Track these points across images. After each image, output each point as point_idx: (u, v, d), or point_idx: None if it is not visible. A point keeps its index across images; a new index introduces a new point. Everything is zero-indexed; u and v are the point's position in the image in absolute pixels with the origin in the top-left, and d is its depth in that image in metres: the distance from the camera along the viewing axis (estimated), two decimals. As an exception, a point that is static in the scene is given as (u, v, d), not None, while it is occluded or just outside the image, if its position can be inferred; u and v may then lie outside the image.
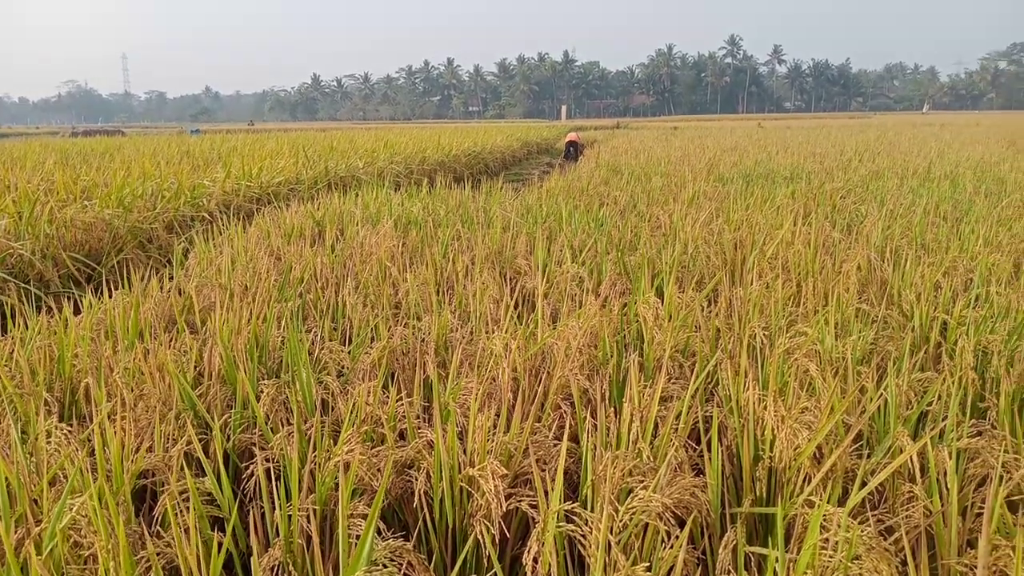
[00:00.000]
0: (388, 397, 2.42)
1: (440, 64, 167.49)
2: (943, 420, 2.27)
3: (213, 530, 2.03)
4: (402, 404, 2.39)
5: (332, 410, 2.62)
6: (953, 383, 2.42)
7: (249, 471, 2.30)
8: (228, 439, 2.45)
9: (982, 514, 1.90)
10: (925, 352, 3.09)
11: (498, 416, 2.33)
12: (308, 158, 11.95)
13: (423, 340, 3.16)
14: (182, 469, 2.13)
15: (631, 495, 1.86)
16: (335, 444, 2.17)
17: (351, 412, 2.29)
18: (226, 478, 2.05)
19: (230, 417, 2.51)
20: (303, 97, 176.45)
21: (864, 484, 1.90)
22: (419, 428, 2.30)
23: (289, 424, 2.47)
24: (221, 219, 6.91)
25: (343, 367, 2.92)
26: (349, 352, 2.99)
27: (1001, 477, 1.99)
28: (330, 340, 3.21)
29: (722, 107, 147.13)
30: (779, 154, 13.57)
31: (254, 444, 2.41)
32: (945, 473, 1.99)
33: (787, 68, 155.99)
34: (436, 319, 3.20)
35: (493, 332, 3.06)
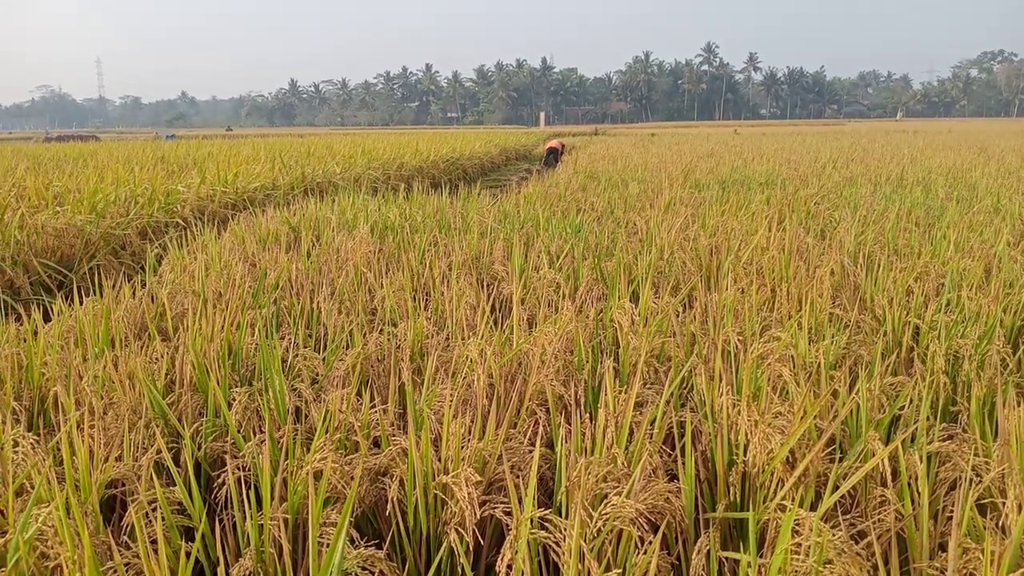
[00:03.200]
0: (362, 404, 2.40)
1: (418, 70, 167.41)
2: (914, 424, 2.29)
3: (184, 540, 2.00)
4: (376, 411, 2.38)
5: (305, 418, 2.60)
6: (925, 387, 2.44)
7: (220, 480, 2.28)
8: (199, 448, 2.42)
9: (953, 517, 1.92)
10: (897, 356, 3.12)
11: (473, 423, 2.32)
12: (284, 164, 11.88)
13: (398, 346, 3.14)
14: (152, 478, 2.10)
15: (605, 501, 1.86)
16: (308, 452, 2.15)
17: (324, 419, 2.27)
18: (196, 487, 2.02)
19: (201, 425, 2.48)
20: (281, 103, 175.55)
21: (836, 488, 1.92)
22: (393, 435, 2.28)
23: (261, 432, 2.45)
24: (196, 225, 6.85)
25: (317, 374, 2.90)
26: (323, 359, 2.96)
27: (971, 481, 2.01)
28: (304, 347, 3.18)
29: (699, 114, 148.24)
30: (755, 160, 13.69)
31: (225, 453, 2.39)
32: (916, 477, 2.00)
33: (762, 76, 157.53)
34: (412, 325, 3.18)
35: (469, 338, 3.04)
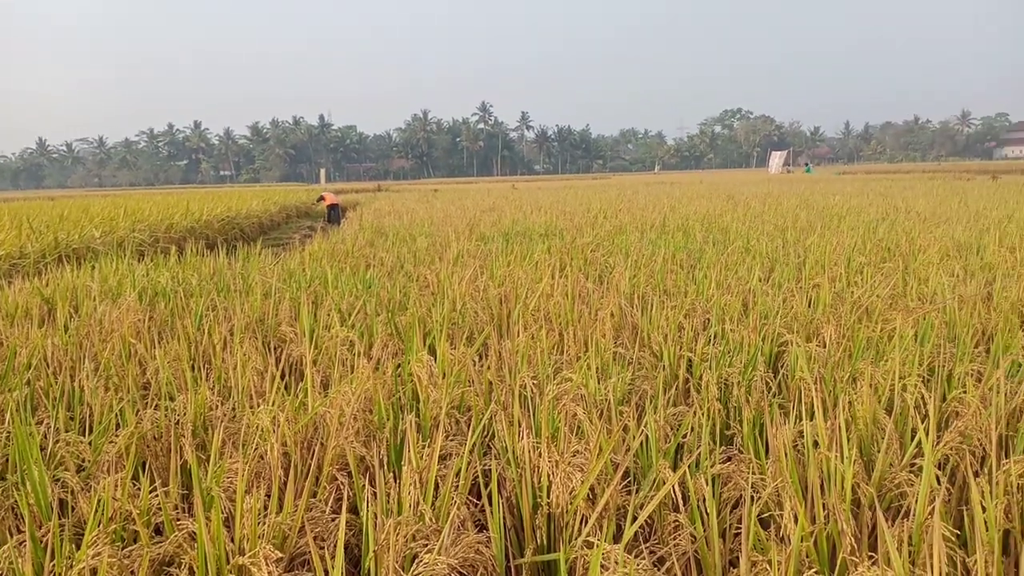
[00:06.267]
0: (140, 489, 2.17)
1: (186, 127, 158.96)
2: (697, 450, 2.45)
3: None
4: (156, 495, 2.16)
5: (73, 510, 2.30)
6: (703, 414, 2.64)
7: (-35, 596, 1.95)
8: (-64, 561, 2.06)
9: (740, 534, 2.06)
10: (676, 388, 3.36)
11: (269, 496, 2.18)
12: (34, 229, 10.73)
13: (178, 422, 2.89)
14: None
15: (416, 560, 1.80)
16: (79, 548, 1.90)
17: (96, 510, 2.02)
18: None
19: (-62, 534, 2.12)
20: (27, 164, 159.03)
21: (635, 519, 2.00)
22: (178, 519, 2.08)
23: (20, 532, 2.13)
24: (-77, 302, 5.95)
25: (84, 460, 2.59)
26: (90, 443, 2.66)
27: (752, 497, 2.18)
28: (67, 431, 2.84)
29: (478, 170, 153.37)
30: (534, 213, 14.34)
31: (-29, 563, 2.05)
32: (704, 499, 2.14)
33: (535, 134, 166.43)
34: (192, 397, 2.95)
35: (259, 406, 2.87)
